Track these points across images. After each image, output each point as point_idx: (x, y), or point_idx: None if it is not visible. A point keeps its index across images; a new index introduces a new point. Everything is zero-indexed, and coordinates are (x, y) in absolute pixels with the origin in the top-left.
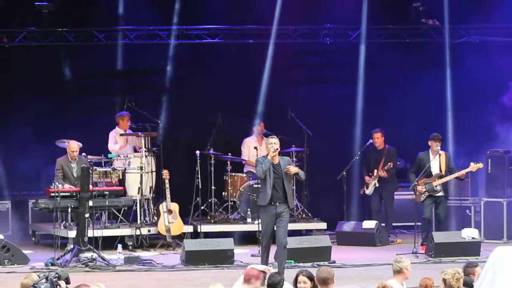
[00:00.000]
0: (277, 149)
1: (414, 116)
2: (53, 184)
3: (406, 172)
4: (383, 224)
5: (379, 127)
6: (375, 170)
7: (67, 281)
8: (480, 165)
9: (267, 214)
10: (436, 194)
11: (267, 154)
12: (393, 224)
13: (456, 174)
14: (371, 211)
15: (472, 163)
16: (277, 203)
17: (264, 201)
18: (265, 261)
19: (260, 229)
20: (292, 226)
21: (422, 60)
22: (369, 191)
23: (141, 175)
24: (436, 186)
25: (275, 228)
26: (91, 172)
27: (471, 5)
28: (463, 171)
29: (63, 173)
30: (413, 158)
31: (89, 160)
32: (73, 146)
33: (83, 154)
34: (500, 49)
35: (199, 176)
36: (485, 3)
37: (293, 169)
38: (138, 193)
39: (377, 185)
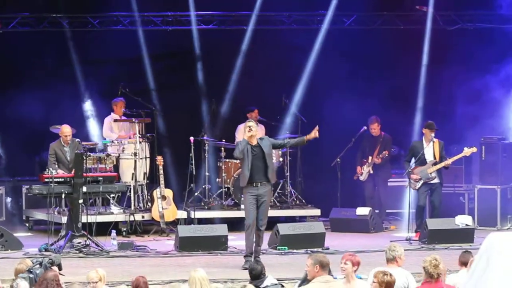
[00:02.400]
0: (251, 130)
1: (408, 102)
2: (47, 169)
3: (400, 159)
4: (377, 211)
5: (373, 113)
6: (370, 157)
7: (60, 267)
8: (474, 149)
9: (248, 195)
10: (431, 181)
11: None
12: (387, 210)
13: (450, 160)
14: (365, 198)
15: (465, 148)
16: (259, 184)
17: (243, 183)
18: (250, 247)
19: (244, 210)
20: (286, 213)
21: (415, 46)
22: (363, 177)
23: (135, 161)
24: (431, 173)
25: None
26: (85, 158)
27: None
28: (457, 156)
29: (56, 158)
30: (406, 145)
31: (83, 146)
32: (66, 130)
33: (77, 140)
34: (494, 36)
35: (193, 162)
36: None
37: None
38: (132, 179)
39: (371, 171)
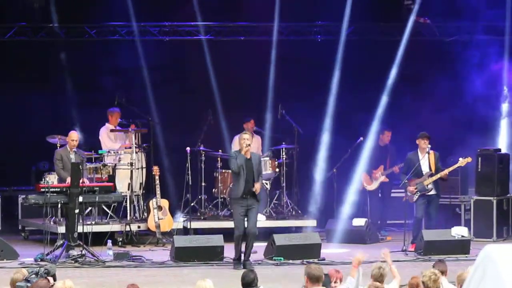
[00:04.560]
0: (249, 144)
1: (405, 113)
2: (43, 179)
3: None
4: (378, 222)
5: (370, 124)
6: (381, 166)
7: (54, 278)
8: (469, 159)
9: (238, 206)
10: (428, 193)
11: (240, 150)
12: (388, 221)
13: (446, 170)
14: (371, 208)
15: (460, 158)
16: (248, 196)
17: (237, 194)
18: (239, 251)
19: (233, 220)
20: (282, 223)
21: (410, 58)
22: (372, 187)
23: (131, 171)
24: (427, 185)
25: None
26: (81, 168)
27: (461, 3)
28: (452, 167)
29: (62, 164)
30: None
31: (82, 156)
32: (74, 135)
33: (74, 150)
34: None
35: (189, 172)
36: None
37: (257, 186)
38: (128, 189)
39: (387, 180)
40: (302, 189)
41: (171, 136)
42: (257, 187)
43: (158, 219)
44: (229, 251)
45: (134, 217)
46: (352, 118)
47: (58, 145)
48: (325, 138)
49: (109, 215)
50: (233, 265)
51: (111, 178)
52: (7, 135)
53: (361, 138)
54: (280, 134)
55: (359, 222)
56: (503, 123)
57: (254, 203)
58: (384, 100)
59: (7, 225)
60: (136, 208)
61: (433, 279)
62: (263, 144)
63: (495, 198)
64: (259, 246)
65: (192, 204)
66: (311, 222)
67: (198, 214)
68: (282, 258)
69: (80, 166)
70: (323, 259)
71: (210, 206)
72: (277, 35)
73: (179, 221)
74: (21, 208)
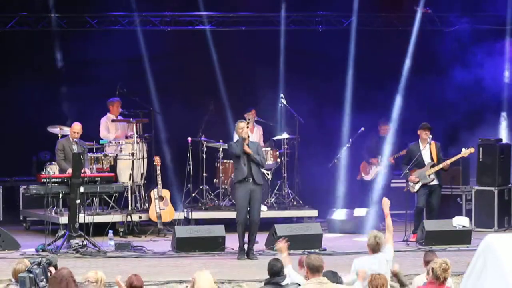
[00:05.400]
0: (244, 131)
1: (406, 104)
2: (44, 169)
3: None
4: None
5: (370, 114)
6: (379, 156)
7: (56, 268)
8: (472, 149)
9: (242, 189)
10: (430, 183)
11: (237, 140)
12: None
13: (449, 161)
14: (371, 198)
15: (463, 149)
16: (250, 179)
17: (241, 176)
18: (241, 236)
19: (236, 205)
20: (283, 214)
21: (414, 48)
22: (370, 176)
23: (133, 162)
24: (429, 175)
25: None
26: (82, 158)
27: None
28: (455, 157)
29: (64, 154)
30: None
31: (83, 147)
32: (77, 127)
33: (75, 140)
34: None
35: (191, 163)
36: None
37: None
38: (130, 180)
39: (384, 171)
40: (304, 179)
41: (172, 126)
42: (247, 149)
43: (160, 209)
44: (231, 241)
45: (135, 208)
46: (354, 108)
47: (59, 135)
48: (327, 128)
49: (110, 205)
50: (238, 255)
51: (113, 168)
52: (8, 125)
53: (363, 128)
54: (281, 124)
55: (360, 212)
56: (504, 113)
57: (256, 188)
58: (394, 91)
59: (8, 216)
60: (138, 198)
61: (443, 268)
62: (265, 134)
63: (496, 188)
64: (261, 236)
65: (193, 194)
66: (312, 212)
67: (200, 204)
68: None
69: (82, 157)
70: (325, 249)
71: (212, 196)
72: (279, 25)
73: (181, 211)
74: (22, 198)
